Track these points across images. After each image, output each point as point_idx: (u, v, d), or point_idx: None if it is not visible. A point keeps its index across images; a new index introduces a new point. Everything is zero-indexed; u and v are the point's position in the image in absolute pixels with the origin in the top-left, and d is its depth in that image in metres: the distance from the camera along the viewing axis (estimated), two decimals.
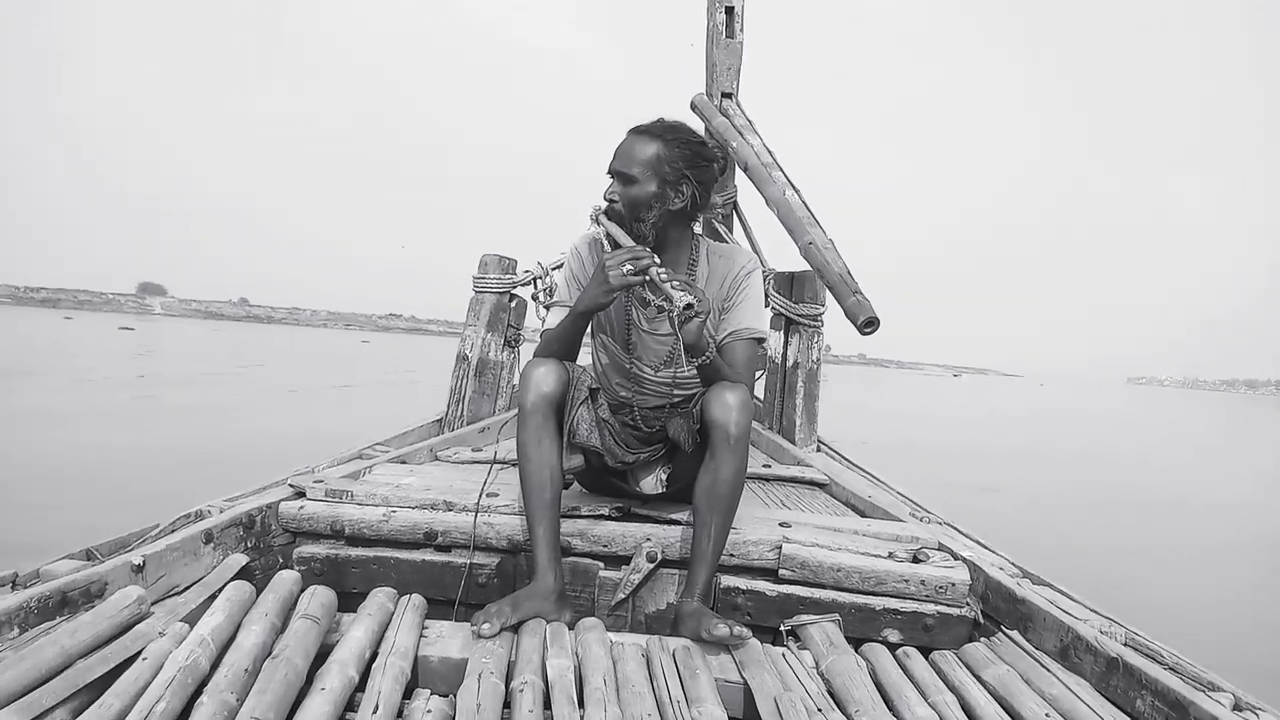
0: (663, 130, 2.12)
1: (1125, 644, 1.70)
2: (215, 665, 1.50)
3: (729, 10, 4.46)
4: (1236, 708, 1.45)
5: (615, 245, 2.09)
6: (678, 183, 2.10)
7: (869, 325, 2.51)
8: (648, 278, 1.96)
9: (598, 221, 2.16)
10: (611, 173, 2.12)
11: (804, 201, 3.23)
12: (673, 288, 1.90)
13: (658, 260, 1.99)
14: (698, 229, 2.31)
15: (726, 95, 4.44)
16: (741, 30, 4.52)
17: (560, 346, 2.16)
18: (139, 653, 1.51)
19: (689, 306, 1.86)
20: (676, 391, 2.31)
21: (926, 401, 33.16)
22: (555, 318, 2.24)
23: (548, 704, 1.54)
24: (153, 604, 1.74)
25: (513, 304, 4.30)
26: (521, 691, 1.54)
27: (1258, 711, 1.43)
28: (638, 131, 2.12)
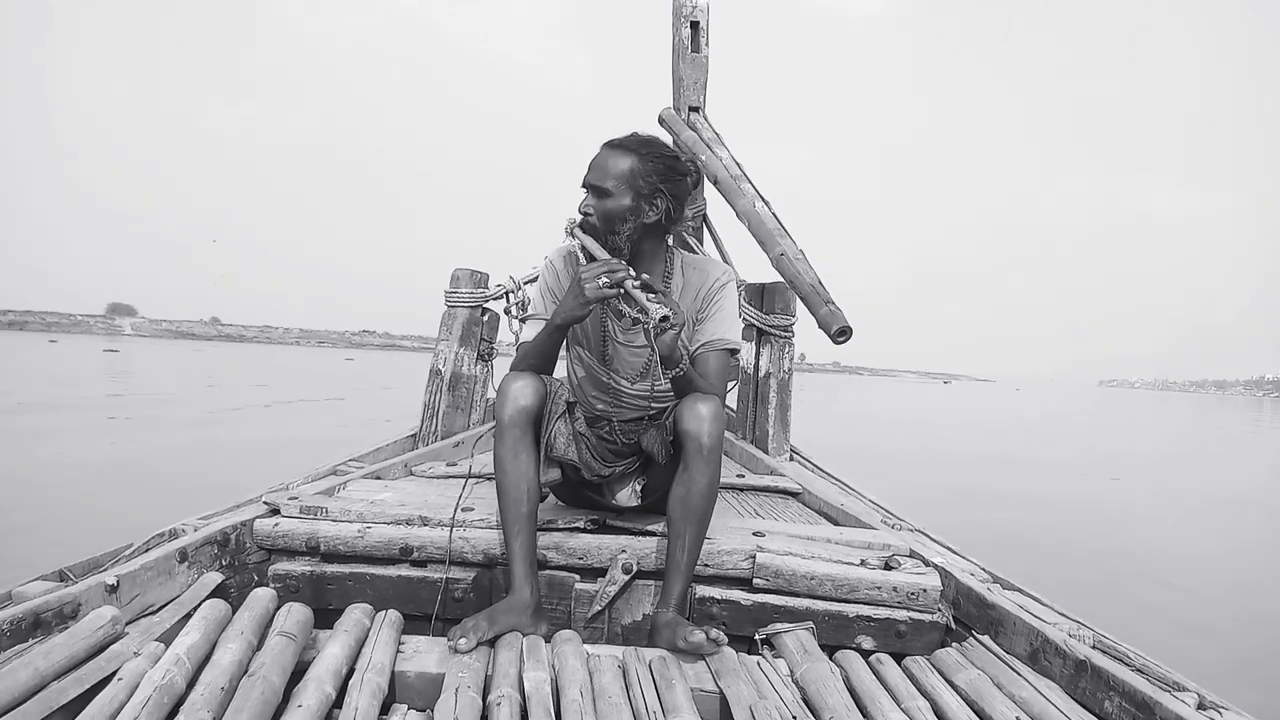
0: (637, 144, 2.13)
1: (1094, 646, 1.74)
2: (191, 684, 1.50)
3: (694, 25, 4.51)
4: (1201, 707, 1.49)
5: (590, 258, 2.11)
6: (652, 196, 2.11)
7: (841, 335, 2.54)
8: (623, 290, 1.97)
9: (573, 234, 2.17)
10: (586, 186, 2.13)
11: (774, 213, 3.27)
12: (648, 300, 1.91)
13: (633, 272, 2.00)
14: (671, 241, 2.33)
15: (694, 109, 4.49)
16: (707, 45, 4.56)
17: (537, 360, 2.17)
18: (114, 673, 1.50)
19: (665, 318, 1.87)
20: (653, 404, 2.32)
21: (921, 409, 32.66)
22: (531, 331, 2.24)
23: (525, 717, 1.55)
24: (127, 624, 1.72)
25: (485, 318, 4.29)
26: (499, 705, 1.54)
27: (1221, 710, 1.47)
28: (612, 145, 2.13)
